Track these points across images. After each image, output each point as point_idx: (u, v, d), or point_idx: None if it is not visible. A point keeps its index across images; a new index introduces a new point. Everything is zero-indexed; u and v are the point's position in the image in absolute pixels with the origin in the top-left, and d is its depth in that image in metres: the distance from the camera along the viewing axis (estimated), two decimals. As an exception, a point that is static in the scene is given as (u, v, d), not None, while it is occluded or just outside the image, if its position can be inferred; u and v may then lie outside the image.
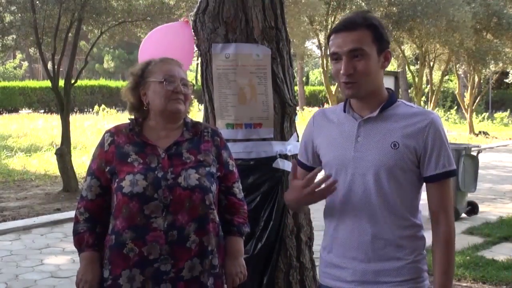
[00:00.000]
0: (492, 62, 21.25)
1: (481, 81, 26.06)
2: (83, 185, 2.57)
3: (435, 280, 2.16)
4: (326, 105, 29.98)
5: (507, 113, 30.03)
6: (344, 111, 2.26)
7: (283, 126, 3.64)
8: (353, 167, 2.18)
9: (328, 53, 2.30)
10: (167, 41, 3.84)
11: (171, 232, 2.37)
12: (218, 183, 2.57)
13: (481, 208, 8.88)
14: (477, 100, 25.22)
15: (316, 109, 30.62)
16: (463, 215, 8.43)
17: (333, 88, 18.27)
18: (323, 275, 2.34)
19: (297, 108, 3.89)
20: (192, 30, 3.73)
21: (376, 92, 2.20)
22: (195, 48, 3.77)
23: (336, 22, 15.33)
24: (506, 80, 29.21)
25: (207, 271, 2.44)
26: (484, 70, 22.64)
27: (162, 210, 2.37)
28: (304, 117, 24.46)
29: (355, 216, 2.19)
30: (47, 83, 20.78)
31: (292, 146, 3.65)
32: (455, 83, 26.97)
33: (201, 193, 2.42)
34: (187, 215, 2.39)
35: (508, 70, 25.56)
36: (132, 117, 2.60)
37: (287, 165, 3.56)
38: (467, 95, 24.63)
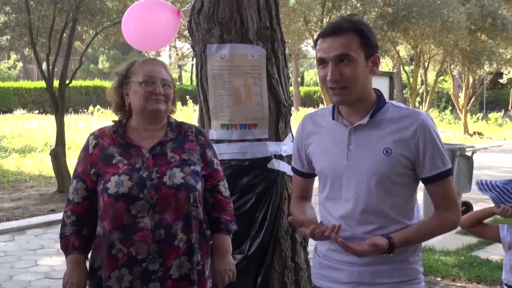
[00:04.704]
0: (487, 62, 21.28)
1: (476, 82, 26.14)
2: (69, 189, 2.58)
3: (402, 231, 2.14)
4: (321, 106, 29.99)
5: (501, 113, 30.13)
6: (333, 117, 2.22)
7: (278, 127, 3.64)
8: (347, 176, 2.17)
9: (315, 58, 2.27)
10: (152, 11, 3.87)
11: (158, 231, 2.39)
12: (204, 181, 2.60)
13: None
14: (471, 101, 25.30)
15: (311, 109, 30.67)
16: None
17: (328, 89, 18.27)
18: (317, 277, 2.34)
19: (292, 108, 3.89)
20: (188, 31, 3.73)
21: (365, 97, 2.16)
22: (189, 44, 3.79)
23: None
24: (501, 81, 29.33)
25: (195, 268, 2.46)
26: (478, 71, 22.69)
27: (148, 209, 2.39)
28: (299, 117, 24.42)
29: (350, 223, 2.17)
30: (42, 84, 20.71)
31: (287, 147, 3.65)
32: (450, 84, 27.04)
33: (186, 191, 2.44)
34: (173, 213, 2.41)
35: (502, 71, 25.65)
36: (116, 118, 2.62)
37: (282, 166, 3.57)
38: (462, 95, 24.69)
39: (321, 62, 2.14)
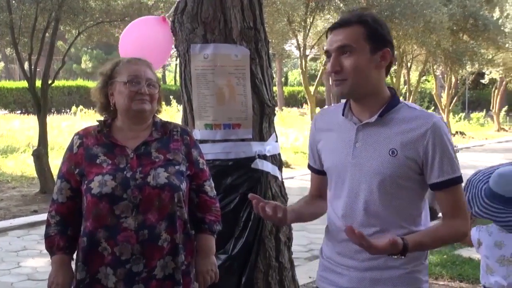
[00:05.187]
0: (469, 63, 21.45)
1: (458, 82, 26.33)
2: (54, 189, 2.57)
3: (415, 234, 2.05)
4: (305, 106, 30.03)
5: (483, 113, 30.40)
6: (343, 114, 2.15)
7: (262, 127, 3.64)
8: (351, 174, 2.10)
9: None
10: (145, 33, 3.83)
11: (141, 232, 2.38)
12: (189, 181, 2.59)
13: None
14: (454, 101, 25.51)
15: (295, 109, 30.75)
16: (440, 214, 8.49)
17: (311, 89, 18.33)
18: (319, 278, 2.29)
19: (276, 108, 3.89)
20: (171, 31, 3.71)
21: (374, 93, 2.08)
22: (173, 46, 3.76)
23: (315, 23, 15.17)
24: (482, 81, 29.54)
25: (179, 268, 2.46)
26: (460, 71, 22.87)
27: (132, 209, 2.39)
28: (283, 117, 24.50)
29: (351, 223, 2.06)
30: (24, 84, 20.57)
31: (271, 147, 3.66)
32: (432, 84, 27.22)
33: (171, 191, 2.43)
34: (157, 213, 2.41)
35: (484, 71, 25.87)
36: (101, 118, 2.61)
37: (265, 166, 3.57)
38: (444, 95, 24.87)
39: (327, 55, 2.08)
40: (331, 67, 2.04)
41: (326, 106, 32.83)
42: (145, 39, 3.77)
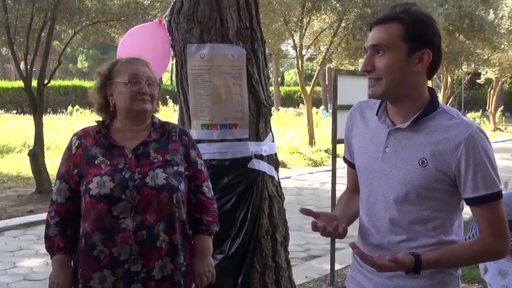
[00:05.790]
0: (465, 63, 21.49)
1: (454, 82, 26.38)
2: (53, 189, 2.57)
3: (435, 251, 1.94)
4: (301, 106, 30.00)
5: (479, 113, 30.46)
6: (376, 113, 2.04)
7: (258, 127, 3.64)
8: (378, 180, 2.01)
9: None
10: (143, 45, 3.81)
11: (140, 232, 2.38)
12: (187, 182, 2.58)
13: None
14: (450, 101, 25.53)
15: (291, 109, 30.74)
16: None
17: (308, 89, 18.33)
18: (349, 278, 2.24)
19: (273, 108, 3.89)
20: (167, 31, 3.71)
21: (411, 97, 1.95)
22: (171, 49, 3.75)
23: (311, 23, 15.14)
24: (478, 81, 29.58)
25: (178, 269, 2.45)
26: (456, 71, 22.91)
27: (130, 210, 2.38)
28: (279, 117, 24.48)
29: (379, 230, 2.03)
30: (20, 83, 20.50)
31: (267, 147, 3.66)
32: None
33: (169, 192, 2.42)
34: (155, 214, 2.40)
35: (480, 71, 25.91)
36: (100, 119, 2.60)
37: (262, 166, 3.57)
38: (440, 95, 24.90)
39: (365, 52, 1.99)
40: (363, 66, 1.96)
41: (326, 105, 32.56)
42: (144, 48, 3.75)
